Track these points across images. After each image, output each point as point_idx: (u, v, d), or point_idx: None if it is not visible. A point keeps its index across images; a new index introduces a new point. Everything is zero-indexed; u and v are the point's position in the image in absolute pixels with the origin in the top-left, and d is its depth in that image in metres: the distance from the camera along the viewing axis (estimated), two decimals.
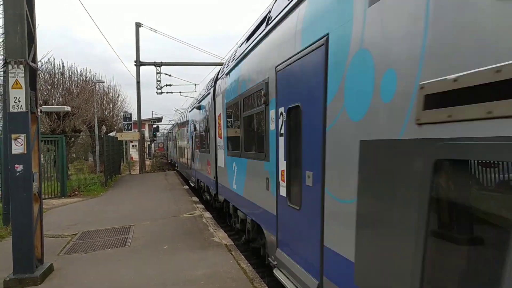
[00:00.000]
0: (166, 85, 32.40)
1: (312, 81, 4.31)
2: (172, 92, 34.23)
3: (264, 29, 6.34)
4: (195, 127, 16.58)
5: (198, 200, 15.29)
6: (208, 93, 12.75)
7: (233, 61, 8.86)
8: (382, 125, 2.99)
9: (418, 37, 2.59)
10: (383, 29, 3.03)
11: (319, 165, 4.11)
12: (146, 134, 52.24)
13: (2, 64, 10.64)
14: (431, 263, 2.51)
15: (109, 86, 35.99)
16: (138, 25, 30.12)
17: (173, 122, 47.32)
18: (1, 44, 11.51)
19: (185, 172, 21.86)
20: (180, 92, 35.28)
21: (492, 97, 2.04)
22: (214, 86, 11.57)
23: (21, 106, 6.32)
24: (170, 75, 32.16)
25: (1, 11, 10.67)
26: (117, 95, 37.94)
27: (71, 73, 26.65)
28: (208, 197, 13.82)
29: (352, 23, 3.44)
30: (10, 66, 6.28)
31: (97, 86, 28.55)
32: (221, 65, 33.19)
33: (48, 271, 6.76)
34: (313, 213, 4.28)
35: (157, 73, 30.99)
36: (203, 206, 13.93)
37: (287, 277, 5.17)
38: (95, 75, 29.68)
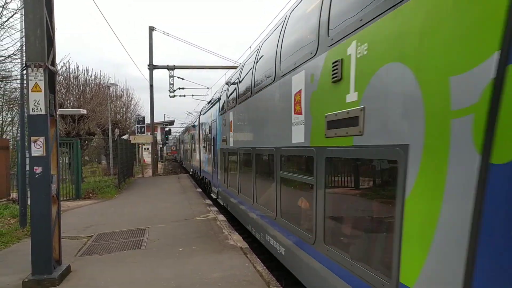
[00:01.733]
0: (179, 88, 32.58)
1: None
2: (184, 96, 34.45)
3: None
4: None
5: (211, 202, 15.32)
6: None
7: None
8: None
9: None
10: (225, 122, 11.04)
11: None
12: (158, 137, 52.59)
13: (21, 68, 10.80)
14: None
15: (122, 90, 36.31)
16: (151, 29, 30.37)
17: (185, 125, 47.63)
18: (19, 47, 11.68)
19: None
20: (192, 96, 35.49)
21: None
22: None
23: (40, 109, 6.40)
24: (182, 79, 32.32)
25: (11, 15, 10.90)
26: (130, 98, 38.25)
27: (86, 76, 26.97)
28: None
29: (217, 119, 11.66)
30: (30, 70, 6.36)
31: (111, 90, 28.80)
32: (234, 68, 33.26)
33: (66, 272, 6.82)
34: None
35: (170, 76, 31.18)
36: (217, 209, 13.94)
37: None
38: (108, 79, 30.00)
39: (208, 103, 17.91)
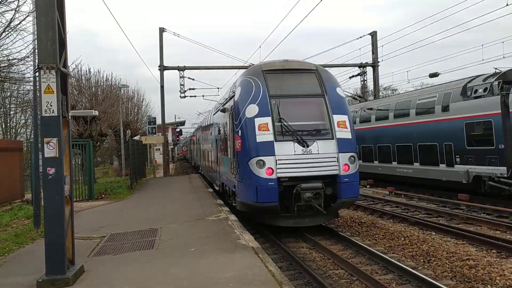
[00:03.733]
0: (189, 89, 32.67)
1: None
2: (195, 96, 34.48)
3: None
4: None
5: (222, 203, 15.34)
6: None
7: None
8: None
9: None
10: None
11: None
12: (170, 138, 52.80)
13: (34, 70, 10.92)
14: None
15: (133, 91, 36.58)
16: (161, 30, 30.52)
17: (196, 125, 47.76)
18: (32, 50, 11.82)
19: None
20: (203, 96, 35.54)
21: None
22: None
23: (52, 110, 6.45)
24: (193, 79, 32.41)
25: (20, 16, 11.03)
26: (141, 99, 38.52)
27: (97, 78, 27.20)
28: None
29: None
30: (42, 72, 6.42)
31: (122, 91, 29.00)
32: (245, 68, 33.08)
33: (79, 273, 6.87)
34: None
35: (181, 77, 31.31)
36: (228, 209, 13.95)
37: None
38: (120, 80, 30.22)
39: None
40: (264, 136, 10.27)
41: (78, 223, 11.88)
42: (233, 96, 11.72)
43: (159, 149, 44.90)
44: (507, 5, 18.46)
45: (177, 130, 57.96)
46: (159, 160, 44.62)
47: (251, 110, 10.60)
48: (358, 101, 32.55)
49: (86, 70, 26.60)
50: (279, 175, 10.02)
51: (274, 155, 10.08)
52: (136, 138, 35.57)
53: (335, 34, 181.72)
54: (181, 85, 31.61)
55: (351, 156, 10.27)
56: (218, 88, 34.73)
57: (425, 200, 16.34)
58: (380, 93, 35.94)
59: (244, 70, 17.55)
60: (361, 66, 32.29)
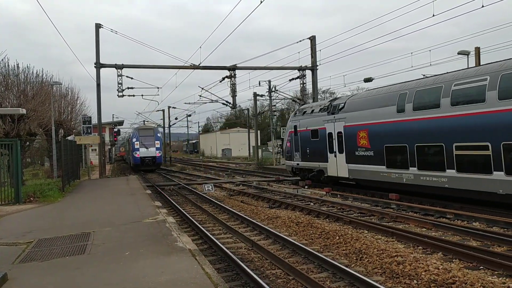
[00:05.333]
0: (128, 88, 31.75)
1: None
2: (134, 95, 33.66)
3: None
4: None
5: (161, 204, 15.02)
6: None
7: None
8: None
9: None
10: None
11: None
12: (107, 138, 50.98)
13: None
14: None
15: (67, 89, 34.79)
16: (98, 26, 29.36)
17: (135, 125, 46.97)
18: None
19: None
20: (142, 95, 34.77)
21: None
22: None
23: None
24: (131, 78, 31.48)
25: None
26: (76, 97, 36.74)
27: (27, 74, 25.59)
28: None
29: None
30: None
31: (54, 88, 27.52)
32: (186, 68, 32.62)
33: (1, 281, 6.42)
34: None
35: (118, 75, 30.29)
36: (166, 211, 13.70)
37: None
38: (52, 77, 28.63)
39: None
40: None
41: (2, 228, 11.17)
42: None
43: (95, 149, 43.22)
44: (433, 15, 19.64)
45: (115, 130, 56.02)
46: (95, 161, 42.92)
47: None
48: (299, 104, 33.29)
49: (14, 66, 24.97)
50: None
51: None
52: (70, 138, 33.92)
53: (275, 37, 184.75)
54: (119, 83, 30.58)
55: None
56: (158, 88, 34.05)
57: (359, 200, 17.01)
58: (319, 96, 36.91)
59: (185, 69, 17.42)
60: (301, 69, 33.02)
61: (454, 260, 8.51)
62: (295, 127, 23.52)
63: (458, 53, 25.06)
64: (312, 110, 22.37)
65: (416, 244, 9.80)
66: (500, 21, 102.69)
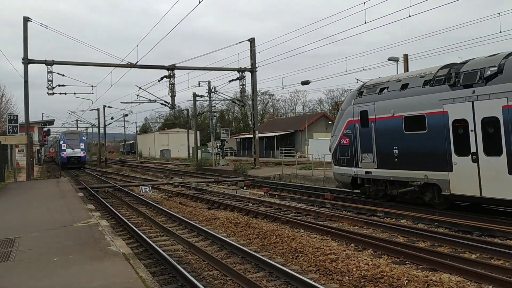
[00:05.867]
0: (59, 85, 30.19)
1: None
2: (65, 93, 32.13)
3: None
4: None
5: (94, 207, 14.43)
6: None
7: None
8: None
9: None
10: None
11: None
12: (36, 138, 48.25)
13: None
14: None
15: None
16: (26, 20, 27.65)
17: (67, 125, 46.31)
18: None
19: None
20: (74, 94, 33.27)
21: None
22: None
23: None
24: (63, 75, 29.97)
25: None
26: (1, 95, 34.42)
27: None
28: None
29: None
30: None
31: None
32: (121, 66, 31.63)
33: None
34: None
35: (49, 72, 28.76)
36: (100, 214, 13.20)
37: None
38: None
39: None
40: None
41: None
42: None
43: (22, 150, 40.69)
44: (365, 22, 20.78)
45: (45, 129, 53.10)
46: (22, 162, 40.41)
47: None
48: (240, 106, 33.41)
49: None
50: None
51: None
52: None
53: (214, 38, 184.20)
54: (49, 80, 29.02)
55: None
56: (92, 86, 32.72)
57: (296, 200, 17.41)
58: (258, 98, 37.30)
59: (121, 68, 16.85)
60: (240, 70, 33.22)
61: (383, 256, 8.98)
62: (364, 113, 15.17)
63: (388, 59, 26.46)
64: (404, 85, 13.90)
65: (348, 241, 10.21)
66: (425, 30, 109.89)
